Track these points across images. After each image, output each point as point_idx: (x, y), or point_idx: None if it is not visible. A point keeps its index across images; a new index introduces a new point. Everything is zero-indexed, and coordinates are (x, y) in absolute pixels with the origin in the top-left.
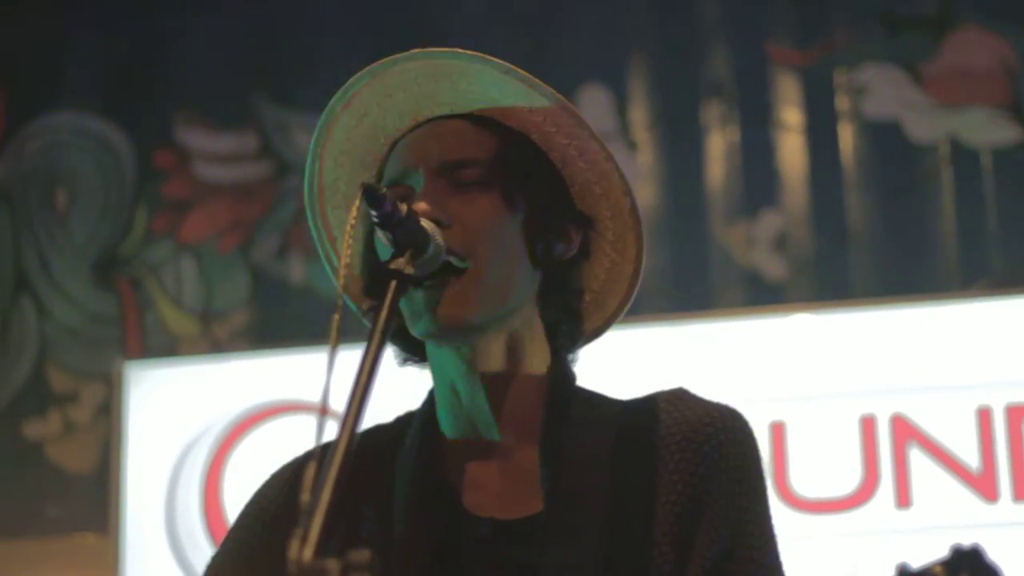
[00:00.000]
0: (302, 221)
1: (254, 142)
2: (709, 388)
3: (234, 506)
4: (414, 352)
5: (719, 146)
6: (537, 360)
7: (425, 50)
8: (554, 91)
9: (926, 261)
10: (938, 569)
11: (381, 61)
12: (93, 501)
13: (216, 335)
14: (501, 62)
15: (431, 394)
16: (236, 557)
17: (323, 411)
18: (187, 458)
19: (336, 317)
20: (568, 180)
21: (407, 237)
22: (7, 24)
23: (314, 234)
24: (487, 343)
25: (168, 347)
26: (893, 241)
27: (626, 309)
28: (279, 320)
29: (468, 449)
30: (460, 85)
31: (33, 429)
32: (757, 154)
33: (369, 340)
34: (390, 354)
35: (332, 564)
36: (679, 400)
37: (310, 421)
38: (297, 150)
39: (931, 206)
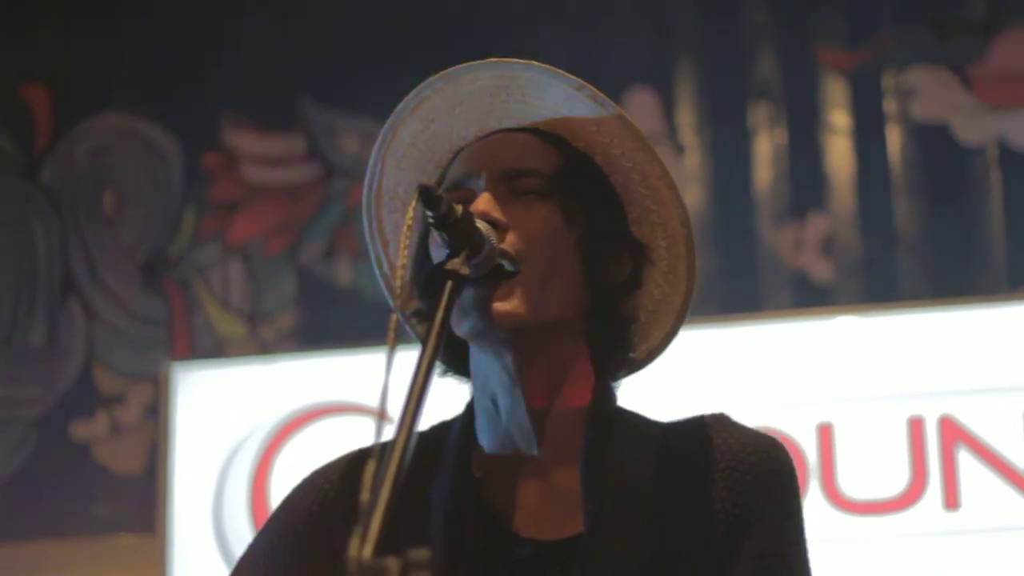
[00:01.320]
0: (349, 223)
1: (301, 144)
2: (757, 390)
3: None
4: (456, 363)
5: (767, 149)
6: (581, 381)
7: (501, 60)
8: (623, 111)
9: (974, 263)
10: None
11: (456, 67)
12: (140, 502)
13: (263, 336)
14: (574, 78)
15: (470, 405)
16: (264, 563)
17: (382, 414)
18: (234, 459)
19: (393, 317)
20: (627, 205)
21: (462, 238)
22: (55, 28)
23: (368, 237)
24: (531, 353)
25: (215, 348)
26: (941, 244)
27: (670, 343)
28: (326, 322)
29: (506, 466)
30: (531, 99)
31: (81, 430)
32: (805, 157)
33: (425, 340)
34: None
35: (392, 562)
36: (722, 427)
37: (357, 422)
38: (344, 152)
39: (979, 209)
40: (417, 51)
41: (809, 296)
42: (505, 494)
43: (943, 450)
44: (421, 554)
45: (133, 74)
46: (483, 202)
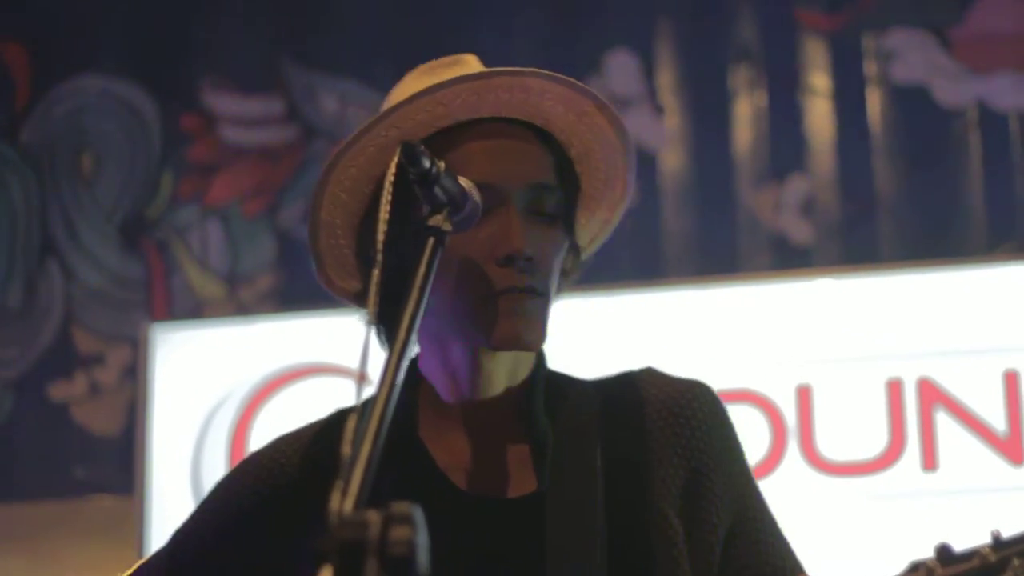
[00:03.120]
0: None
1: (280, 106)
2: (736, 352)
3: None
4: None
5: (746, 111)
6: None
7: (460, 77)
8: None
9: (953, 226)
10: (987, 550)
11: (441, 83)
12: (119, 463)
13: (242, 298)
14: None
15: (413, 366)
16: (206, 538)
17: (362, 377)
18: (213, 420)
19: (376, 273)
20: (580, 167)
21: (445, 195)
22: None
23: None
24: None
25: (194, 310)
26: (920, 206)
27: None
28: (304, 283)
29: (454, 430)
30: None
31: (59, 391)
32: (784, 119)
33: (407, 296)
34: None
35: (373, 515)
36: (653, 377)
37: (336, 383)
38: (324, 114)
39: (958, 171)
40: (396, 12)
41: (788, 258)
42: (452, 455)
43: (921, 411)
44: (403, 507)
45: (112, 35)
46: (520, 238)
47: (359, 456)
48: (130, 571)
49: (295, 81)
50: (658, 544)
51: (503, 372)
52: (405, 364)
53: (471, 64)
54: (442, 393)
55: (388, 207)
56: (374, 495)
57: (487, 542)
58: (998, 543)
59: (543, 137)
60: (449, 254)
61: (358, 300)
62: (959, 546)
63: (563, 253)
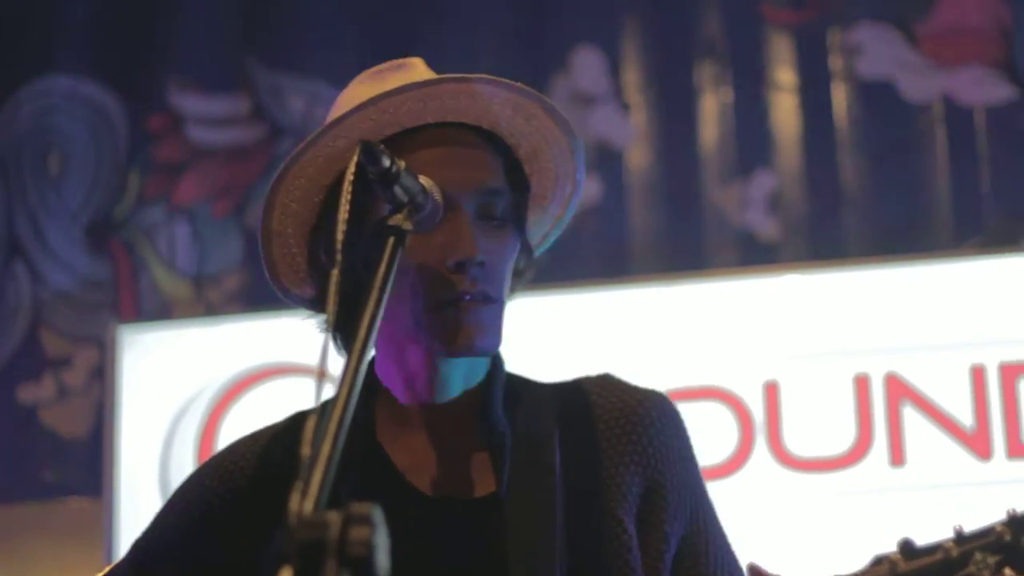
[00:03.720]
0: None
1: (247, 105)
2: (703, 349)
3: None
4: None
5: (712, 107)
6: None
7: (419, 82)
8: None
9: (920, 220)
10: (949, 544)
11: (375, 97)
12: (87, 465)
13: (210, 298)
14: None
15: (372, 370)
16: (177, 539)
17: (321, 374)
18: (181, 421)
19: (334, 273)
20: (529, 167)
21: (405, 193)
22: None
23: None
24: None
25: (162, 310)
26: (887, 201)
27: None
28: None
29: (412, 433)
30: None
31: (27, 393)
32: (750, 115)
33: (367, 296)
34: None
35: (333, 516)
36: (610, 384)
37: (304, 383)
38: (290, 113)
39: (925, 166)
40: (362, 11)
41: (755, 254)
42: (411, 458)
43: (889, 407)
44: (363, 507)
45: (77, 36)
46: (471, 244)
47: (318, 457)
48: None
49: (261, 80)
50: (613, 549)
51: (459, 375)
52: (364, 365)
53: (418, 68)
54: (399, 396)
55: (348, 207)
56: (333, 498)
57: (447, 543)
58: (960, 537)
59: (490, 140)
60: (404, 259)
61: (312, 305)
62: (926, 541)
63: (515, 255)
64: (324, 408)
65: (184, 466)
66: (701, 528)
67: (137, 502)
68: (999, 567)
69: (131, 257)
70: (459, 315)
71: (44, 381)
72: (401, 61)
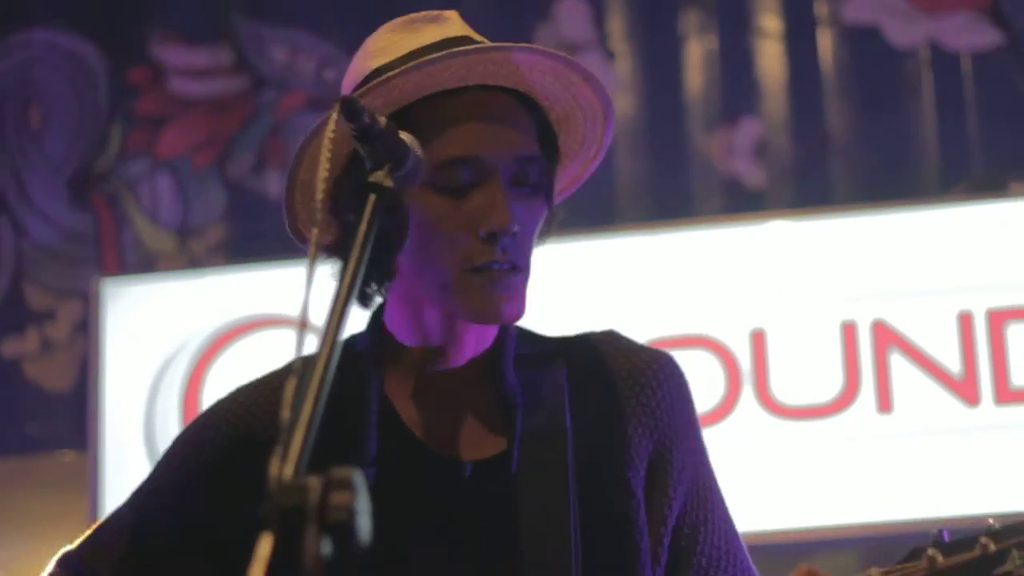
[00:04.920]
0: (278, 135)
1: (229, 56)
2: (689, 297)
3: None
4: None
5: (697, 54)
6: None
7: (468, 49)
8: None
9: (906, 166)
10: (986, 540)
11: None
12: (72, 418)
13: (193, 251)
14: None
15: (376, 322)
16: (171, 495)
17: (303, 325)
18: (166, 374)
19: (314, 232)
20: (558, 128)
21: (386, 151)
22: None
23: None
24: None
25: (145, 263)
26: (873, 147)
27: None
28: (256, 235)
29: (423, 391)
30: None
31: (11, 347)
32: (736, 62)
33: (349, 254)
34: None
35: (313, 481)
36: (618, 343)
37: (289, 335)
38: (272, 64)
39: (911, 111)
40: None
41: (741, 201)
42: (421, 416)
43: (876, 354)
44: (343, 472)
45: None
46: (506, 214)
47: (299, 420)
48: (91, 530)
49: (244, 31)
50: (622, 512)
51: (474, 337)
52: (344, 325)
53: (454, 23)
54: (411, 353)
55: (327, 164)
56: (343, 453)
57: (455, 502)
58: (996, 532)
59: (525, 103)
60: (432, 220)
61: (329, 251)
62: (914, 488)
63: (542, 223)
64: (305, 367)
65: (169, 419)
66: (703, 496)
67: (122, 455)
68: None
69: (114, 210)
70: (488, 284)
71: (28, 335)
72: (435, 13)
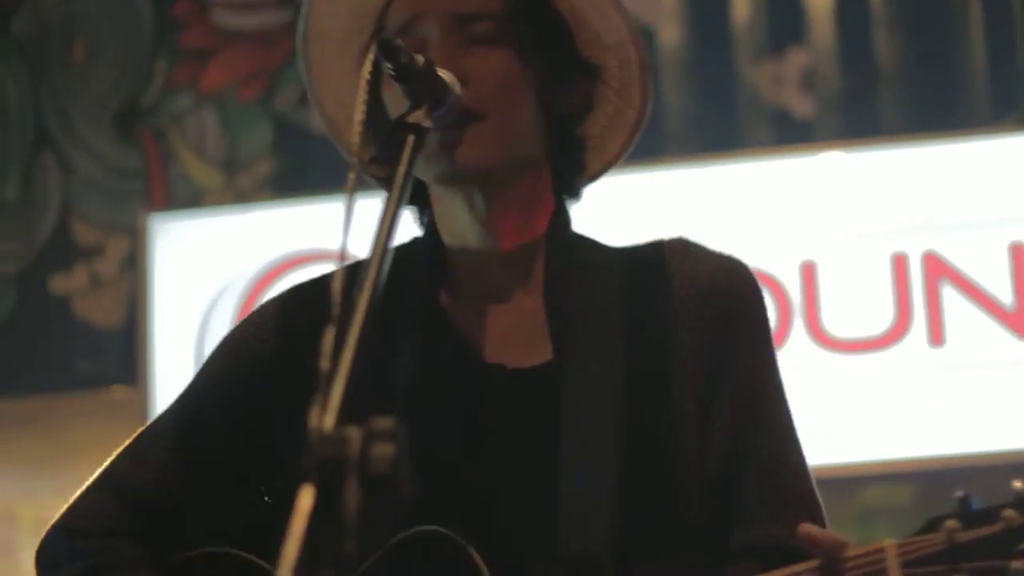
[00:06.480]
0: None
1: None
2: (739, 229)
3: None
4: (415, 200)
5: None
6: (542, 207)
7: None
8: None
9: (956, 97)
10: (1011, 513)
11: None
12: (122, 354)
13: (240, 185)
14: None
15: (430, 237)
16: (218, 391)
17: (343, 259)
18: (215, 309)
19: (351, 176)
20: (576, 29)
21: (424, 90)
22: None
23: (304, 80)
24: (500, 192)
25: (192, 198)
26: (922, 77)
27: (625, 155)
28: (303, 169)
29: (474, 298)
30: None
31: (59, 284)
32: None
33: (389, 194)
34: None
35: (353, 432)
36: (686, 251)
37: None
38: None
39: (961, 42)
40: None
41: (790, 132)
42: (472, 324)
43: (927, 286)
44: (384, 423)
45: None
46: (442, 58)
47: (338, 370)
48: (130, 441)
49: None
50: (672, 427)
51: (507, 222)
52: (386, 265)
53: None
54: (458, 256)
55: (364, 107)
56: (396, 362)
57: (500, 410)
58: (1021, 503)
59: None
60: None
61: (375, 162)
62: (966, 421)
63: (516, 75)
64: (344, 309)
65: None
66: (758, 405)
67: (173, 389)
68: None
69: (160, 145)
70: (444, 138)
71: (76, 271)
72: None
